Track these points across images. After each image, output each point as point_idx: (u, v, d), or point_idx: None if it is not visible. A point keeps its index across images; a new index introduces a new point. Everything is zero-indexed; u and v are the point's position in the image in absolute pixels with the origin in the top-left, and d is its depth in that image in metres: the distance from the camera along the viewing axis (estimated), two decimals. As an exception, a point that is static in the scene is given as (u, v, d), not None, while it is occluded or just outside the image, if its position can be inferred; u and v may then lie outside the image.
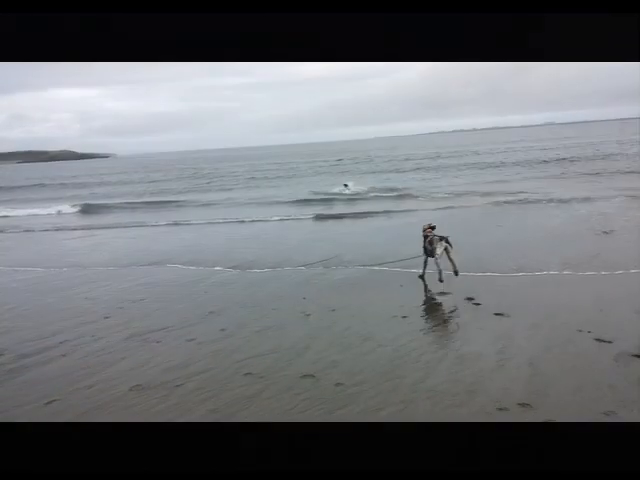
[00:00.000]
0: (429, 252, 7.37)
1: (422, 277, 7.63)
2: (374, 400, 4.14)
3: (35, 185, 43.71)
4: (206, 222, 16.00)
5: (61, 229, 16.48)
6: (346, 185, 23.01)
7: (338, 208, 17.61)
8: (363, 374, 4.62)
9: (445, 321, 5.89)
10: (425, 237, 7.46)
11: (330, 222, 14.62)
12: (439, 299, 6.70)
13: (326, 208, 17.65)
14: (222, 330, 5.97)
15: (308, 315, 6.35)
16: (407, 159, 43.35)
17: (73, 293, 8.04)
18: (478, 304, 6.37)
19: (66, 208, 22.56)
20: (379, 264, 8.62)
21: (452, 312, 6.18)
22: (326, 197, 20.89)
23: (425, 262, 7.58)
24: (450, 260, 7.21)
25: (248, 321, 6.25)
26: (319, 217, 15.40)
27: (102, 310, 7.00)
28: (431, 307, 6.42)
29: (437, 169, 32.00)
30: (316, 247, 10.62)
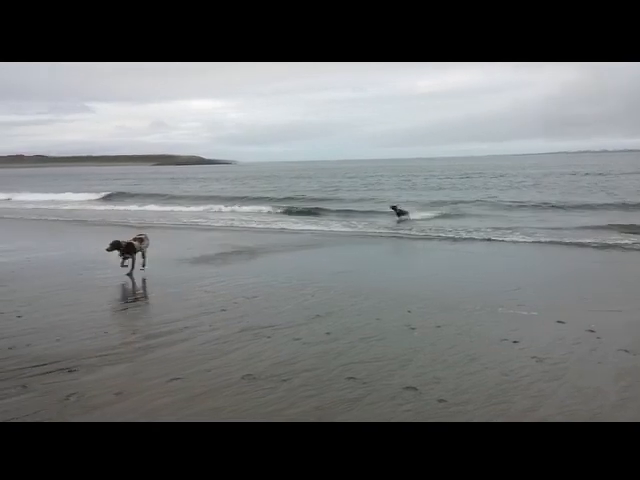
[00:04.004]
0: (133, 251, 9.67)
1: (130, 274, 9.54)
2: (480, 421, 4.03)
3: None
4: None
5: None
6: (394, 207, 20.83)
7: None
8: (468, 394, 4.51)
9: (561, 351, 5.53)
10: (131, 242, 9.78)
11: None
12: (555, 328, 6.31)
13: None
14: (327, 334, 6.16)
15: (413, 329, 6.33)
16: (509, 185, 37.75)
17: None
18: (600, 337, 5.91)
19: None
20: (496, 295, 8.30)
21: (570, 343, 5.79)
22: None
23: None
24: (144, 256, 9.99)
25: (352, 328, 6.39)
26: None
27: (219, 303, 7.54)
28: (545, 335, 6.06)
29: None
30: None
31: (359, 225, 17.70)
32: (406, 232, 15.62)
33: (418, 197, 29.05)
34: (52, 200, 32.26)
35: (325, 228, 17.10)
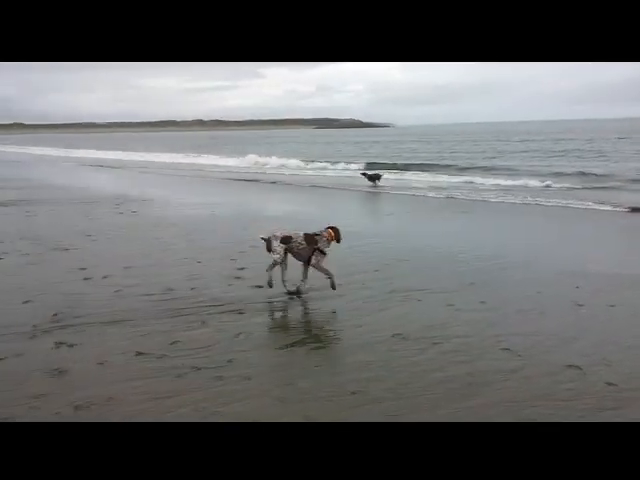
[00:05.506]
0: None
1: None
2: (655, 412, 3.60)
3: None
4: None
5: None
6: (364, 174, 19.01)
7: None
8: (644, 381, 4.03)
9: None
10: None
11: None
12: None
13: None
14: (482, 302, 5.94)
15: (580, 305, 5.79)
16: None
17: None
18: None
19: None
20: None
21: None
22: None
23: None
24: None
25: (509, 299, 6.07)
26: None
27: (372, 264, 7.68)
28: None
29: None
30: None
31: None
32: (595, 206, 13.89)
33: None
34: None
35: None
